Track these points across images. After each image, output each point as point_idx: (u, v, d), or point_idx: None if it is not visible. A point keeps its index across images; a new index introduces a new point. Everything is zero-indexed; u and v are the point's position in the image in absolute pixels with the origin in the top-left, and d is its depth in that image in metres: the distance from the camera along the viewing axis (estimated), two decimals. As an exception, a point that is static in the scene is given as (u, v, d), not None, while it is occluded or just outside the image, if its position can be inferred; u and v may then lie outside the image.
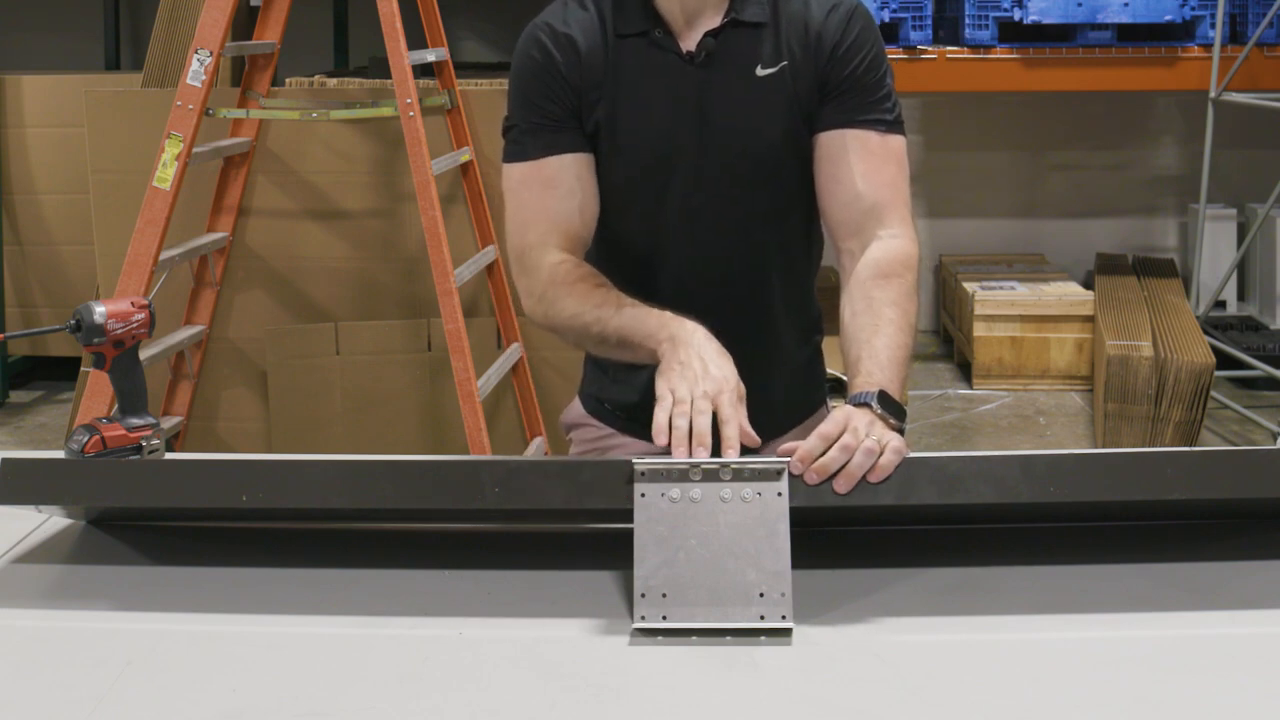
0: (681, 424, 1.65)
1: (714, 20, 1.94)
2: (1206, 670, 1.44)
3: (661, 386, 1.71)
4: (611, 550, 1.64)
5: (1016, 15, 5.51)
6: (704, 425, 1.65)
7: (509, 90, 1.98)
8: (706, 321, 1.99)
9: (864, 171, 1.93)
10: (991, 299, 5.66)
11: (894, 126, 1.95)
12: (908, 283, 1.88)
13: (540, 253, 1.93)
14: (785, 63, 1.93)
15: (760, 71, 1.93)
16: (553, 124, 1.94)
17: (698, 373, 1.71)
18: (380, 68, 4.15)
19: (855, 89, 1.93)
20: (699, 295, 1.99)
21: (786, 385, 2.10)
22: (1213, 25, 5.37)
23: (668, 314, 1.82)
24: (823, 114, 1.94)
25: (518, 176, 1.96)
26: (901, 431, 1.67)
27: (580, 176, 1.95)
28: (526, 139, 1.95)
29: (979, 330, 5.65)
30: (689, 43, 1.94)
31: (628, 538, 1.56)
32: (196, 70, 3.64)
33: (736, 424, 1.66)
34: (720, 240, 1.98)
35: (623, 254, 2.01)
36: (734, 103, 1.93)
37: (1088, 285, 5.89)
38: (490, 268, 4.05)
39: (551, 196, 1.94)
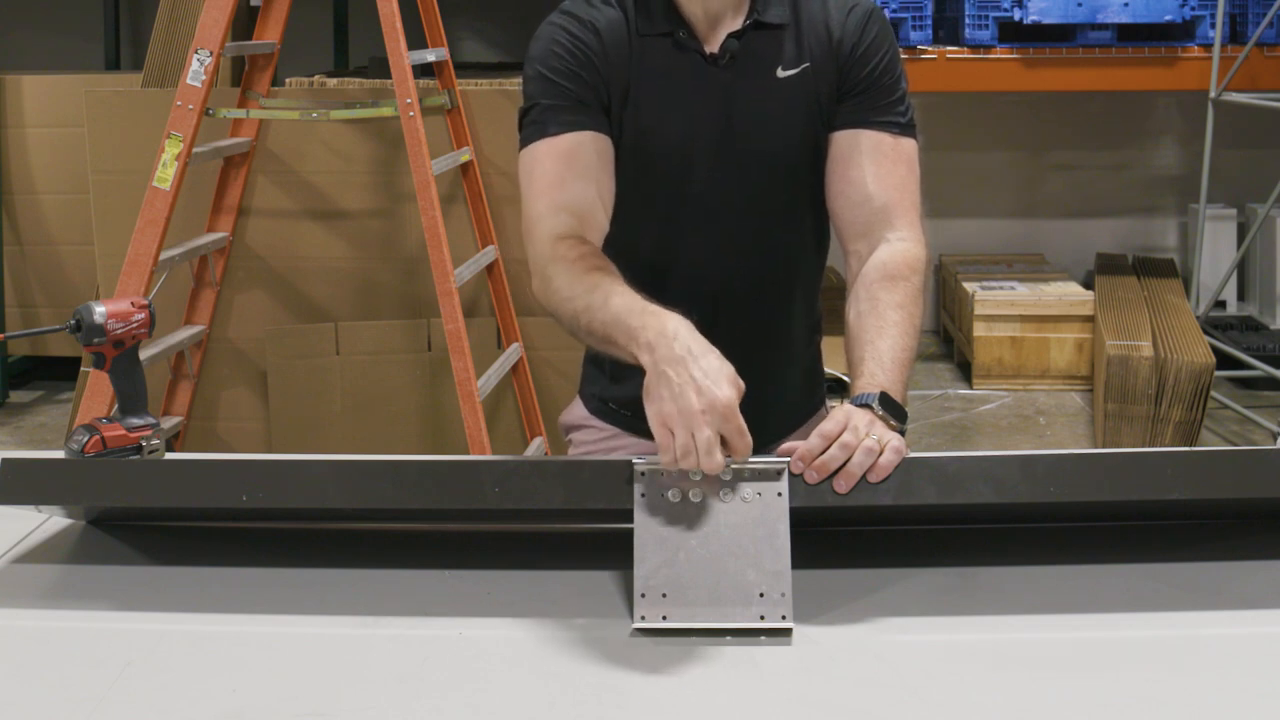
0: (687, 446, 1.54)
1: (736, 22, 1.93)
2: (1206, 670, 1.44)
3: (655, 421, 1.56)
4: (611, 550, 1.64)
5: (1016, 15, 5.51)
6: (706, 436, 1.53)
7: (526, 76, 1.92)
8: (719, 322, 1.98)
9: (875, 173, 1.92)
10: (991, 299, 5.66)
11: (907, 129, 1.95)
12: (914, 286, 1.88)
13: (547, 224, 1.84)
14: (806, 64, 1.93)
15: (781, 73, 1.93)
16: (576, 102, 1.88)
17: (692, 400, 1.54)
18: (380, 68, 4.15)
19: (871, 90, 1.93)
20: (712, 296, 1.98)
21: (791, 385, 2.10)
22: (1213, 25, 5.37)
23: (650, 311, 1.66)
24: (837, 113, 1.94)
25: (531, 157, 1.88)
26: (903, 433, 1.67)
27: (601, 154, 1.88)
28: (546, 116, 1.88)
29: (979, 330, 5.65)
30: (712, 44, 1.93)
31: (628, 538, 1.56)
32: (196, 70, 3.64)
33: (746, 441, 1.57)
34: (736, 240, 1.97)
35: (636, 254, 2.00)
36: (756, 104, 1.93)
37: (1088, 285, 5.89)
38: (490, 268, 4.05)
39: (568, 171, 1.86)
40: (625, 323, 1.67)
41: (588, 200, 1.86)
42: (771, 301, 2.03)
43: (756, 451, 1.67)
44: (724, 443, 1.55)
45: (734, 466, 1.58)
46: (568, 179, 1.86)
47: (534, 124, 1.89)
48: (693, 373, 1.56)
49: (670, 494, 1.57)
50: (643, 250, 1.99)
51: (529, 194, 1.88)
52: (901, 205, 1.93)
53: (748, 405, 2.01)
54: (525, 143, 1.90)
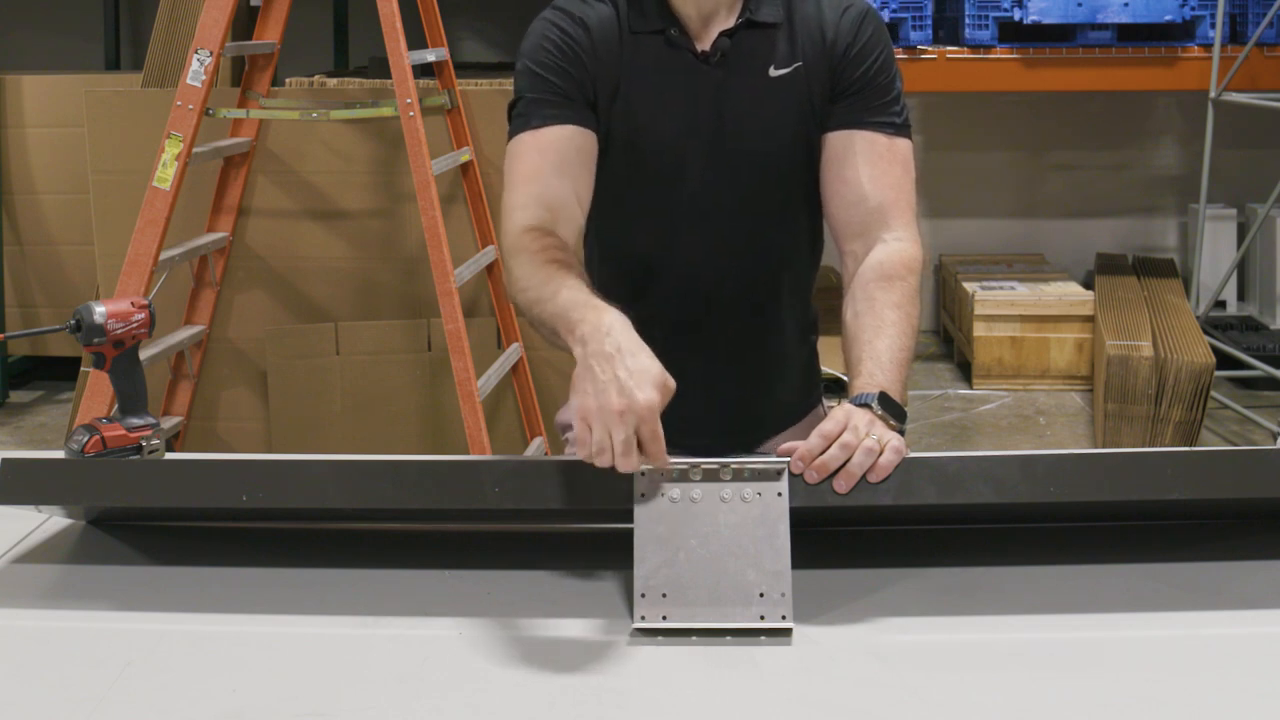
0: (602, 453, 1.53)
1: (728, 20, 1.93)
2: (1206, 670, 1.44)
3: (575, 414, 1.56)
4: (611, 550, 1.63)
5: (1016, 15, 5.51)
6: (621, 438, 1.52)
7: (517, 71, 1.94)
8: (712, 321, 1.99)
9: (870, 173, 1.92)
10: (991, 299, 5.66)
11: (901, 130, 1.95)
12: (910, 285, 1.88)
13: (517, 216, 1.85)
14: (799, 64, 1.93)
15: (773, 72, 1.93)
16: (561, 97, 1.89)
17: (612, 398, 1.52)
18: (380, 68, 4.15)
19: (865, 90, 1.93)
20: (705, 296, 1.98)
21: (786, 384, 2.10)
22: (1213, 25, 5.37)
23: (590, 305, 1.65)
24: (832, 114, 1.94)
25: (516, 149, 1.90)
26: (902, 433, 1.67)
27: (581, 150, 1.89)
28: (531, 110, 1.90)
29: (979, 330, 5.65)
30: (704, 42, 1.93)
31: (628, 538, 1.56)
32: (196, 70, 3.64)
33: (661, 459, 1.54)
34: (729, 239, 1.98)
35: (630, 253, 2.01)
36: (747, 103, 1.93)
37: (1088, 285, 5.89)
38: (490, 268, 4.05)
39: (545, 160, 1.88)
40: (567, 315, 1.66)
41: (563, 194, 1.87)
42: (765, 301, 2.03)
43: (752, 451, 1.67)
44: (640, 445, 1.53)
45: (734, 467, 1.58)
46: (545, 172, 1.87)
47: (519, 116, 1.92)
48: (618, 371, 1.54)
49: (670, 494, 1.57)
50: (636, 249, 2.00)
51: (508, 185, 1.90)
52: (897, 205, 1.93)
53: (742, 403, 2.02)
54: (510, 135, 1.92)
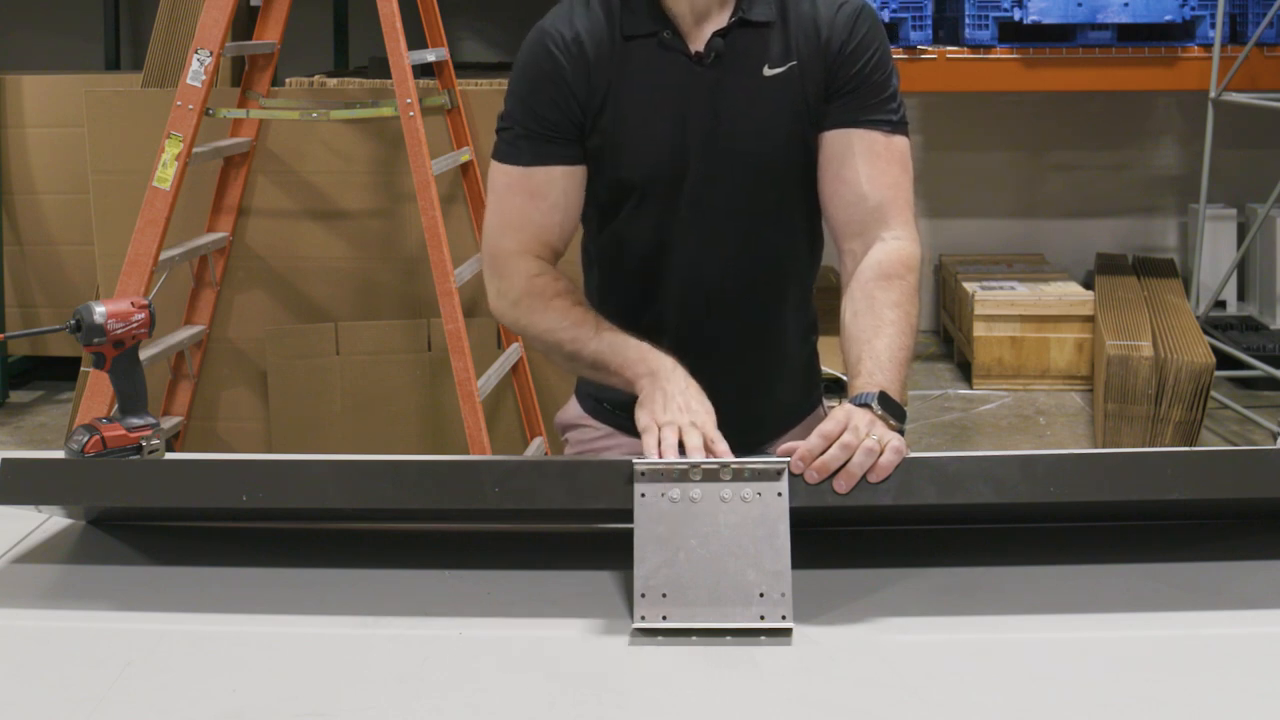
0: (671, 438, 1.68)
1: (721, 20, 1.93)
2: (1206, 670, 1.44)
3: (645, 418, 1.75)
4: (611, 550, 1.64)
5: (1016, 15, 5.51)
6: (696, 442, 1.68)
7: (510, 88, 1.97)
8: (712, 321, 1.99)
9: (869, 172, 1.92)
10: (991, 299, 5.66)
11: (899, 127, 1.95)
12: (909, 284, 1.88)
13: (518, 261, 1.95)
14: (794, 62, 1.93)
15: (768, 71, 1.93)
16: (549, 134, 1.93)
17: (680, 406, 1.75)
18: (380, 68, 4.15)
19: (861, 88, 1.93)
20: (705, 294, 1.99)
21: (787, 384, 2.10)
22: (1213, 25, 5.37)
23: (646, 346, 1.85)
24: (828, 113, 1.94)
25: (504, 180, 1.97)
26: (902, 432, 1.67)
27: (566, 191, 1.95)
28: (521, 143, 1.94)
29: (979, 330, 5.65)
30: (697, 43, 1.93)
31: (628, 538, 1.56)
32: (196, 70, 3.64)
33: (725, 447, 1.69)
34: (727, 239, 1.98)
35: (629, 253, 2.01)
36: (742, 103, 1.93)
37: (1088, 285, 5.89)
38: (490, 268, 4.04)
39: (536, 207, 1.95)
40: (621, 352, 1.86)
41: (551, 235, 1.96)
42: (764, 300, 2.03)
43: (754, 451, 1.68)
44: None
45: (734, 467, 1.58)
46: (534, 215, 1.95)
47: (509, 144, 1.96)
48: (686, 394, 1.78)
49: (670, 494, 1.57)
50: (635, 252, 2.00)
51: (496, 224, 1.99)
52: (896, 204, 1.93)
53: (742, 404, 2.02)
54: (499, 157, 1.97)
